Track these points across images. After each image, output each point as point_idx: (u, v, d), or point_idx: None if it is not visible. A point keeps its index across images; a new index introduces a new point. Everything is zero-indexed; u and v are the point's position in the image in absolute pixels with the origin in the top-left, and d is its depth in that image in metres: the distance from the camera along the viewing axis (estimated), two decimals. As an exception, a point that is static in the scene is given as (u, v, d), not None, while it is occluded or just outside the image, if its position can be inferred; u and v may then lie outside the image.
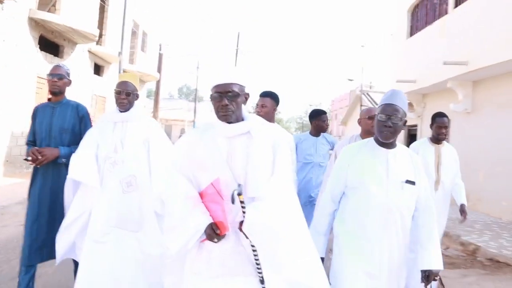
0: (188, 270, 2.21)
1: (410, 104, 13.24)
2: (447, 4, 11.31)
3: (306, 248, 2.23)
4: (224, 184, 2.10)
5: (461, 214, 4.19)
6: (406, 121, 2.49)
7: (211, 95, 2.21)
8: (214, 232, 2.06)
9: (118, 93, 3.12)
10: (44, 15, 11.25)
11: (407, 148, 2.64)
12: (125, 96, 3.09)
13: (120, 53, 16.15)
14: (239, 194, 1.99)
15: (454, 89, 10.81)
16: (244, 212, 2.05)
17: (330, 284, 2.32)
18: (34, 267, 3.46)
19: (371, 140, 2.59)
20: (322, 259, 2.50)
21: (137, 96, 3.22)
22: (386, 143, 2.49)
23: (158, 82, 23.96)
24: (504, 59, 8.29)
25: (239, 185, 2.03)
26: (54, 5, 12.57)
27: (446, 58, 10.22)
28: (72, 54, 13.75)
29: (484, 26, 9.04)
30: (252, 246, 2.09)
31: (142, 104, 22.54)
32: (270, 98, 3.85)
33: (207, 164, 2.18)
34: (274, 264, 2.14)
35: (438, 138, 4.13)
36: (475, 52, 9.31)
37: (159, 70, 23.98)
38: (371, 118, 3.64)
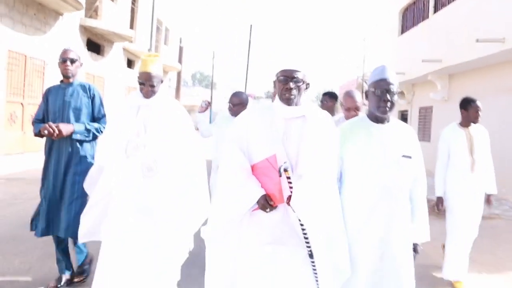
0: (239, 237, 2.35)
1: (401, 93, 15.34)
2: (428, 10, 13.35)
3: (341, 231, 2.35)
4: (278, 161, 2.22)
5: (487, 205, 4.34)
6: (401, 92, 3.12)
7: (277, 77, 2.33)
8: (267, 203, 2.20)
9: (142, 84, 2.96)
10: (91, 22, 13.58)
11: (401, 121, 2.62)
12: (149, 88, 2.94)
13: (149, 50, 18.45)
14: (285, 170, 2.15)
15: (434, 81, 12.89)
16: (291, 188, 2.18)
17: None
18: (63, 241, 3.64)
19: (364, 117, 2.57)
20: None
21: (161, 82, 3.04)
22: (381, 119, 2.48)
23: (179, 73, 26.25)
24: (470, 58, 10.25)
25: (284, 162, 2.18)
26: (95, 11, 14.86)
27: (426, 56, 12.32)
28: (111, 52, 16.10)
29: (455, 30, 11.01)
30: (299, 220, 2.19)
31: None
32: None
33: (263, 141, 2.31)
34: (320, 240, 2.24)
35: (474, 122, 4.22)
36: (448, 51, 11.34)
37: (180, 61, 26.25)
38: (348, 110, 3.73)
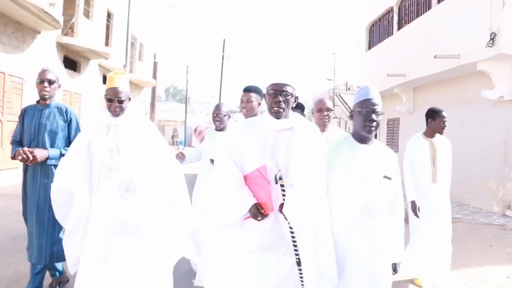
0: (230, 244, 2.43)
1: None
2: (392, 27, 14.16)
3: (329, 239, 2.41)
4: (268, 171, 2.30)
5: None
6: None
7: (267, 91, 2.43)
8: (258, 211, 2.28)
9: (109, 101, 2.88)
10: (68, 40, 13.78)
11: (382, 143, 2.69)
12: (118, 105, 2.87)
13: (125, 66, 18.71)
14: (280, 178, 2.24)
15: (399, 94, 13.64)
16: (284, 196, 2.27)
17: None
18: (43, 269, 3.56)
19: (349, 136, 2.64)
20: None
21: (129, 100, 2.98)
22: (365, 139, 2.54)
23: (154, 88, 26.44)
24: (431, 73, 11.01)
25: (279, 170, 2.28)
26: (71, 28, 15.06)
27: (392, 70, 13.06)
28: (87, 68, 16.29)
29: (417, 46, 11.78)
30: (290, 228, 2.28)
31: (138, 108, 24.97)
32: (255, 93, 3.78)
33: (254, 152, 2.40)
34: (309, 248, 2.31)
35: (440, 132, 4.30)
36: (411, 66, 12.09)
37: (154, 77, 26.48)
38: (319, 110, 3.84)
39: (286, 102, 2.39)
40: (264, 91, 2.50)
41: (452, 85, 11.14)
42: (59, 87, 3.64)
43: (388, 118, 15.61)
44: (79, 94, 15.55)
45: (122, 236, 2.79)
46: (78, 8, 14.57)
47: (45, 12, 10.49)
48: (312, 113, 4.08)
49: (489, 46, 8.18)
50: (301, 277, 2.31)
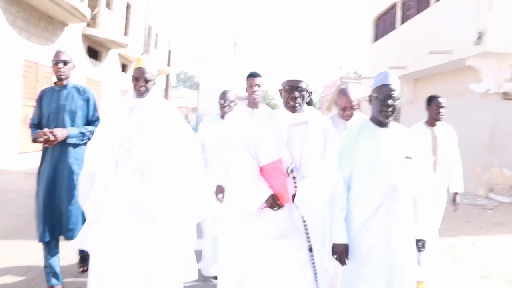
0: (249, 233, 2.55)
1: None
2: (395, 21, 14.98)
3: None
4: (283, 164, 2.41)
5: (453, 203, 4.30)
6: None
7: (283, 87, 2.53)
8: (275, 202, 2.42)
9: (136, 79, 2.90)
10: (92, 31, 14.84)
11: (401, 125, 2.69)
12: (144, 84, 2.88)
13: (143, 54, 19.77)
14: (292, 171, 2.40)
15: (401, 84, 14.44)
16: (296, 187, 2.42)
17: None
18: (56, 250, 3.55)
19: (368, 121, 2.67)
20: (347, 245, 2.54)
21: (154, 82, 3.00)
22: (384, 123, 2.57)
23: (168, 76, 27.49)
24: (427, 66, 11.84)
25: (291, 163, 2.42)
26: (93, 19, 16.08)
27: (394, 63, 13.90)
28: (107, 57, 17.37)
29: (416, 41, 12.56)
30: (302, 217, 2.45)
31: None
32: (261, 78, 3.80)
33: (270, 146, 2.50)
34: (319, 236, 2.50)
35: (436, 118, 4.18)
36: (411, 59, 12.92)
37: (168, 64, 27.49)
38: (344, 109, 3.56)
39: (302, 97, 2.51)
40: (280, 87, 2.60)
41: (447, 78, 11.97)
42: (74, 67, 3.69)
43: (391, 107, 16.43)
44: (100, 82, 16.64)
45: (138, 218, 2.79)
46: (100, 1, 15.59)
47: (75, 8, 11.54)
48: (335, 102, 3.91)
49: (477, 44, 9.06)
50: (313, 262, 2.48)
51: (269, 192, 2.45)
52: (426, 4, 12.46)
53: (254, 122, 2.68)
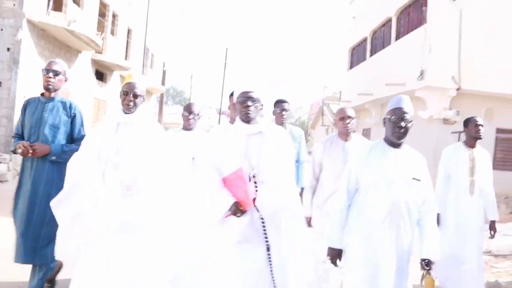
0: (214, 239, 2.76)
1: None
2: (366, 53, 17.26)
3: (300, 224, 2.80)
4: (244, 171, 2.62)
5: (491, 231, 4.16)
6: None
7: (237, 99, 2.75)
8: (238, 208, 2.62)
9: (125, 94, 2.84)
10: (100, 57, 16.87)
11: (412, 148, 2.79)
12: (132, 98, 2.83)
13: (141, 75, 21.82)
14: (254, 176, 2.64)
15: (370, 109, 16.69)
16: (256, 191, 2.65)
17: None
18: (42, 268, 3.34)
19: (381, 141, 2.77)
20: (340, 251, 2.72)
21: (143, 99, 2.93)
22: (396, 144, 2.68)
23: (162, 94, 29.40)
24: (388, 94, 13.80)
25: (253, 169, 2.67)
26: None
27: (363, 90, 16.10)
28: (111, 79, 19.40)
29: (380, 72, 14.70)
30: (261, 218, 2.66)
31: (148, 108, 27.82)
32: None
33: (231, 156, 2.70)
34: (277, 235, 2.69)
35: (476, 136, 4.06)
36: (377, 87, 15.00)
37: (163, 83, 29.44)
38: (342, 119, 3.76)
39: (254, 107, 2.71)
40: (234, 101, 2.78)
41: (405, 104, 14.08)
42: (65, 80, 3.53)
43: (363, 128, 18.63)
44: (105, 101, 18.61)
45: (123, 234, 2.74)
46: (106, 28, 17.64)
47: (91, 39, 13.60)
48: (334, 124, 4.28)
49: (420, 79, 11.28)
50: (270, 261, 2.66)
51: (232, 200, 2.66)
52: (388, 41, 14.73)
53: (214, 138, 3.06)
